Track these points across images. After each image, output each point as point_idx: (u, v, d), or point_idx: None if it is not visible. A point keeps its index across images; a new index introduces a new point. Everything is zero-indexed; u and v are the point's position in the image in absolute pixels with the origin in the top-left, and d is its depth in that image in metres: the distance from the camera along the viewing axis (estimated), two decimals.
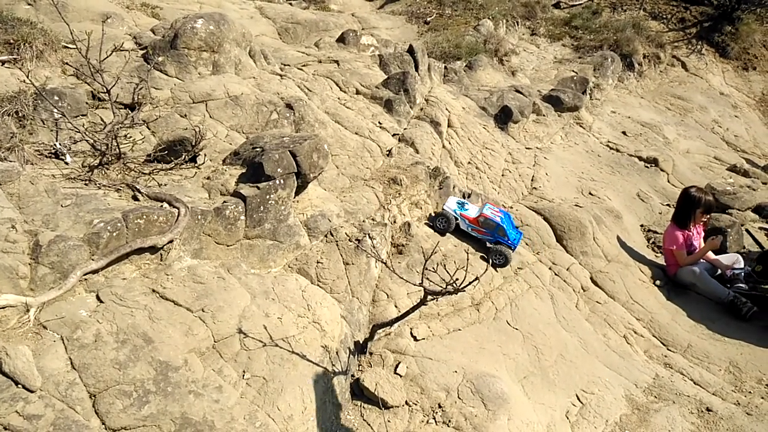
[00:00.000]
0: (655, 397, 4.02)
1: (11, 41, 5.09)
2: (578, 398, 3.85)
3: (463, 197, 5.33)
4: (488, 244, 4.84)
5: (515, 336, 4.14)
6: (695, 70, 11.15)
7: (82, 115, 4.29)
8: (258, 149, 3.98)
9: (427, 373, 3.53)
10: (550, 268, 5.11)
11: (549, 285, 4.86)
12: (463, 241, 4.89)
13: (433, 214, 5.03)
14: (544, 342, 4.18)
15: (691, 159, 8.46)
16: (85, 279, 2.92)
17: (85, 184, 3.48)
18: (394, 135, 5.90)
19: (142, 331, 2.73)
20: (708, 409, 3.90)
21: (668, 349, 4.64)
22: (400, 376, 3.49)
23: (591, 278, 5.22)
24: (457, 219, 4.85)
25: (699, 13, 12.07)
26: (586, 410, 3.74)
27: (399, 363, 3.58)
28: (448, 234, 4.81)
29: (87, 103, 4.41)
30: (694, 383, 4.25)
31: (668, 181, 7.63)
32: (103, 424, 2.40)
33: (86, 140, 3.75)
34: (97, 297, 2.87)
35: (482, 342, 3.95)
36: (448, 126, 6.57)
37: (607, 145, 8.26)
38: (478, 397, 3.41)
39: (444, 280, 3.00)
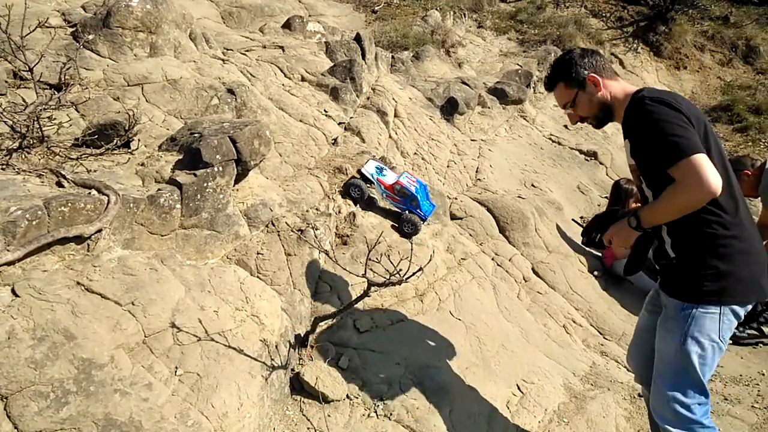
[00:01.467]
0: (591, 384, 4.12)
1: None
2: (519, 388, 3.88)
3: None
4: (402, 214, 4.77)
5: (458, 326, 4.14)
6: (632, 68, 11.52)
7: (0, 95, 3.99)
8: (196, 135, 3.80)
9: (369, 366, 3.48)
10: (492, 259, 5.15)
11: (492, 275, 4.90)
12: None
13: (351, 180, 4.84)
14: (486, 332, 4.20)
15: None
16: (0, 271, 2.70)
17: (2, 169, 3.22)
18: (339, 123, 5.80)
19: (62, 326, 2.55)
20: (639, 395, 4.02)
21: (605, 338, 4.77)
22: (342, 369, 3.42)
23: (532, 269, 5.30)
24: (371, 185, 4.73)
25: (636, 13, 12.48)
26: (526, 400, 3.78)
27: (341, 356, 3.51)
28: (391, 225, 4.74)
29: (6, 82, 4.10)
30: (627, 370, 4.37)
31: (607, 174, 7.86)
32: (16, 428, 2.22)
33: (4, 121, 3.47)
34: (13, 291, 2.65)
35: (425, 333, 3.93)
36: (395, 116, 6.52)
37: (550, 138, 8.42)
38: (419, 390, 3.38)
39: (388, 270, 2.95)
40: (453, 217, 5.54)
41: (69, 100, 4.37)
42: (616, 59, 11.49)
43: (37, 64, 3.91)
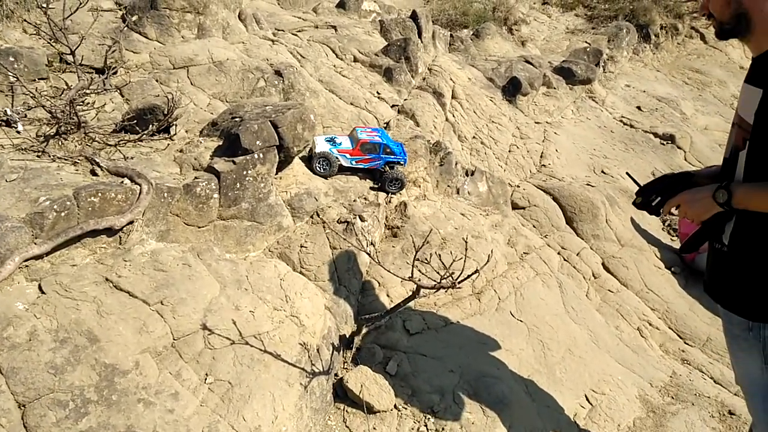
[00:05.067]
0: (672, 397, 3.66)
1: None
2: (587, 399, 3.48)
3: (466, 174, 4.90)
4: (382, 172, 4.24)
5: (519, 329, 3.76)
6: (714, 43, 10.56)
7: (42, 79, 3.88)
8: (237, 119, 3.57)
9: (420, 373, 3.17)
10: (558, 253, 4.72)
11: (557, 272, 4.47)
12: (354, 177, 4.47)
13: (307, 156, 4.19)
14: (551, 336, 3.80)
15: (709, 136, 7.97)
16: (27, 266, 2.54)
17: (38, 156, 3.09)
18: (393, 106, 5.47)
19: (86, 328, 2.36)
20: (730, 413, 3.54)
21: (686, 343, 4.27)
22: (390, 375, 3.13)
23: (603, 264, 4.83)
24: (338, 159, 4.12)
25: None
26: (596, 413, 3.37)
27: (389, 360, 3.22)
28: (446, 216, 4.37)
29: (48, 65, 3.99)
30: (715, 382, 3.89)
31: (685, 159, 7.17)
32: None
33: (42, 106, 3.33)
34: (39, 287, 2.49)
35: (482, 336, 3.58)
36: (453, 97, 6.12)
37: (621, 121, 7.78)
38: (475, 401, 3.04)
39: (444, 266, 2.62)
40: (515, 207, 5.12)
41: (114, 84, 4.25)
42: (697, 34, 10.57)
43: (78, 46, 3.77)
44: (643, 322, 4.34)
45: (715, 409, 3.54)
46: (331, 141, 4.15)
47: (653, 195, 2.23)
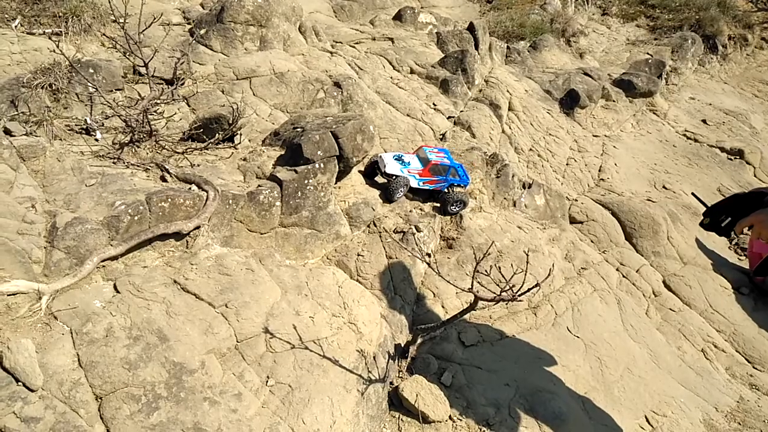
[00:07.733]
0: (739, 423, 3.50)
1: (59, 14, 4.98)
2: (647, 420, 3.38)
3: (523, 186, 4.85)
4: (445, 193, 4.20)
5: (576, 345, 3.69)
6: None
7: (118, 90, 4.10)
8: (298, 129, 3.66)
9: (475, 385, 3.15)
10: (617, 269, 4.60)
11: (616, 288, 4.35)
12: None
13: (373, 171, 4.18)
14: (609, 353, 3.71)
15: None
16: (103, 266, 2.69)
17: (114, 163, 3.26)
18: (449, 118, 5.48)
19: (157, 327, 2.47)
20: None
21: (754, 368, 4.08)
22: (445, 386, 3.12)
23: (664, 282, 4.67)
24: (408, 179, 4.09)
25: None
26: None
27: (444, 371, 3.21)
28: (502, 228, 4.34)
29: (123, 76, 4.21)
30: None
31: (755, 175, 6.86)
32: (108, 430, 2.15)
33: (118, 116, 3.52)
34: (114, 287, 2.63)
35: (538, 351, 3.53)
36: (509, 109, 6.08)
37: (684, 135, 7.52)
38: (531, 416, 3.01)
39: (503, 277, 2.61)
40: (572, 221, 5.03)
41: (182, 94, 4.43)
42: (767, 44, 10.13)
43: (151, 59, 3.96)
44: (707, 343, 4.17)
45: None
46: (400, 160, 4.12)
47: (722, 215, 2.12)
